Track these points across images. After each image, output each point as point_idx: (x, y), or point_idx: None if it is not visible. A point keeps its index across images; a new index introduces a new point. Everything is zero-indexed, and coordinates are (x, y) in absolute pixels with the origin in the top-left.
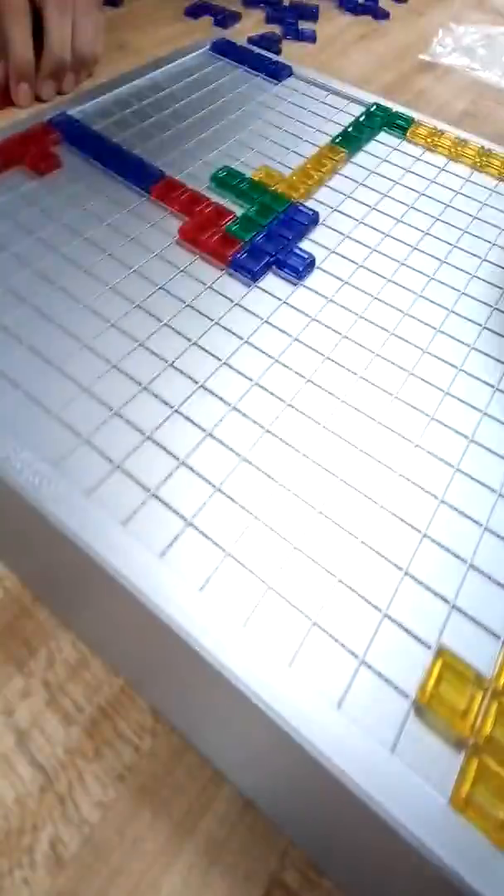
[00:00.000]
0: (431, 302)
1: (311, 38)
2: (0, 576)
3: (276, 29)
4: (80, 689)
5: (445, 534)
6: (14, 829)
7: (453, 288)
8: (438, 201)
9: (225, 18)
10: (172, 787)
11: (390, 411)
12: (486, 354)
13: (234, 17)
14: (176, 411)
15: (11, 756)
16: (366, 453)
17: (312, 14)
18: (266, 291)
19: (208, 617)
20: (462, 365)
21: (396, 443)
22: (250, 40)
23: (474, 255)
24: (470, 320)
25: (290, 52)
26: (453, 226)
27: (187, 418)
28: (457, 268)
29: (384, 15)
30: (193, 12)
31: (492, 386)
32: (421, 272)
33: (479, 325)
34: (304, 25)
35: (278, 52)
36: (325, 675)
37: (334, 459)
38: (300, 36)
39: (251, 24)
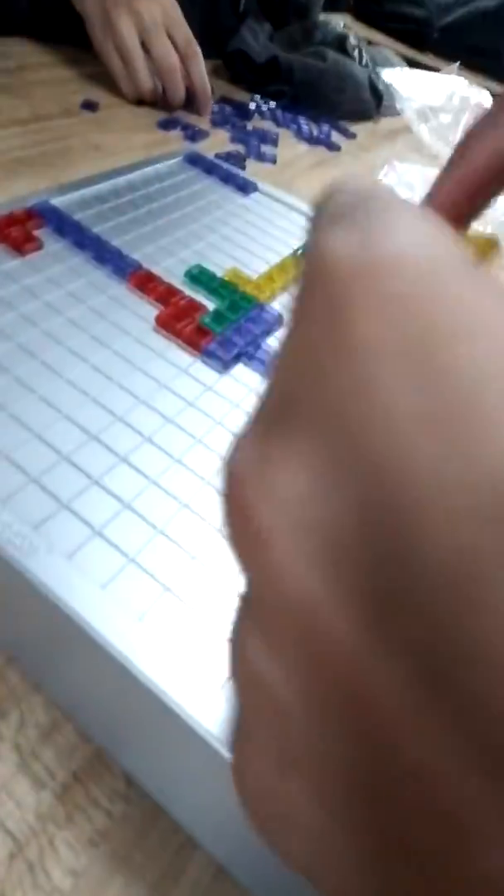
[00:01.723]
0: None
1: (272, 160)
2: None
3: (241, 148)
4: (52, 753)
5: None
6: None
7: None
8: None
9: (195, 134)
10: (145, 853)
11: None
12: None
13: (203, 134)
14: (153, 483)
15: None
16: None
17: (273, 139)
18: (236, 380)
19: (184, 677)
20: None
21: None
22: (218, 156)
23: None
24: None
25: (254, 170)
26: None
27: (165, 490)
28: None
29: (336, 147)
30: (165, 125)
31: None
32: None
33: None
34: (265, 149)
35: (243, 169)
36: None
37: None
38: (262, 157)
39: (217, 142)
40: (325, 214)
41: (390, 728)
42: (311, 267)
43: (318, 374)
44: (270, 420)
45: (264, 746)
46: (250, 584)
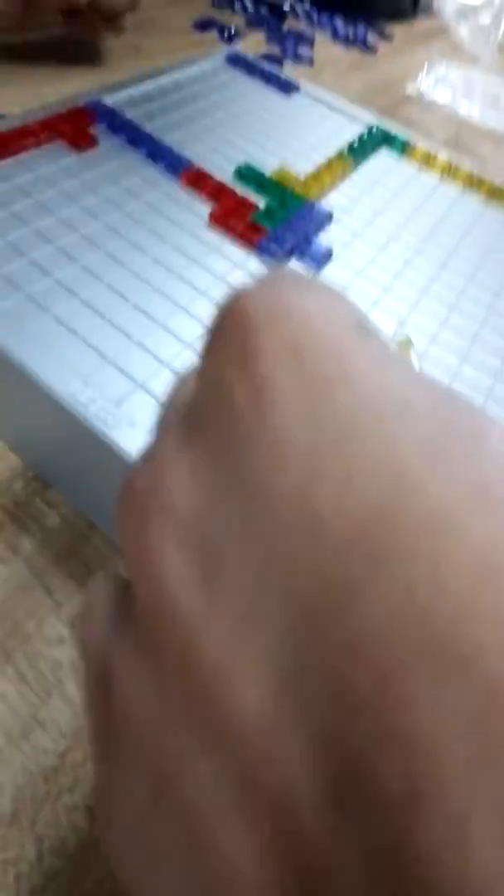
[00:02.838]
0: (435, 299)
1: (310, 62)
2: (55, 503)
3: (277, 50)
4: None
5: None
6: (84, 726)
7: (454, 288)
8: (436, 213)
9: (230, 35)
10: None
11: None
12: (487, 349)
13: (239, 35)
14: None
15: (78, 662)
16: None
17: (309, 41)
18: None
19: None
20: (466, 357)
21: None
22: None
23: (471, 262)
24: (471, 316)
25: (291, 72)
26: (450, 235)
27: None
28: (456, 271)
29: (373, 49)
30: (201, 26)
31: (492, 378)
32: (425, 273)
33: (481, 319)
34: (301, 50)
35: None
36: None
37: None
38: (299, 59)
39: (253, 44)
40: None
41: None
42: (222, 311)
43: (222, 393)
44: (184, 426)
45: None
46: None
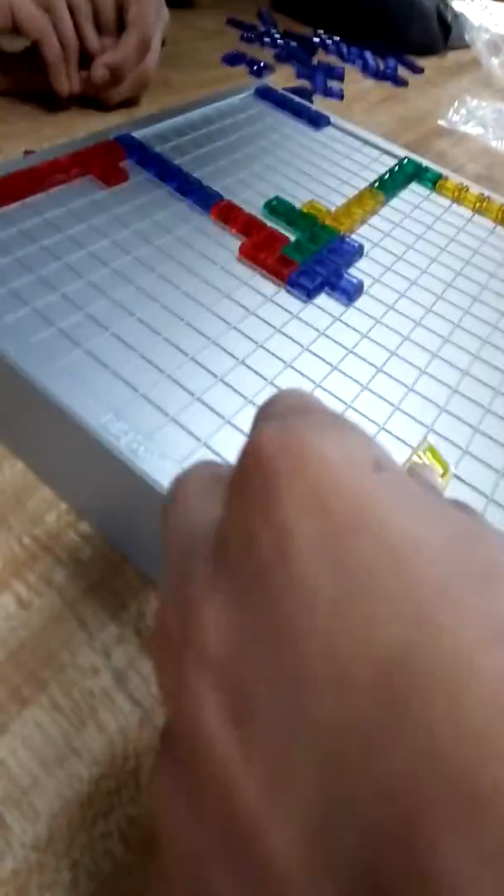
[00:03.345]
0: (467, 332)
1: (339, 95)
2: (88, 535)
3: (307, 83)
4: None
5: None
6: (119, 754)
7: (486, 322)
8: (467, 247)
9: (260, 69)
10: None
11: (439, 420)
12: None
13: (268, 69)
14: (250, 402)
15: (111, 692)
16: (417, 454)
17: (339, 74)
18: (320, 308)
19: None
20: (501, 386)
21: (443, 447)
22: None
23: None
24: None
25: (321, 105)
26: (482, 269)
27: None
28: (488, 305)
29: (403, 82)
30: (231, 59)
31: None
32: (457, 305)
33: None
34: (331, 84)
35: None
36: None
37: (391, 448)
38: (329, 92)
39: (282, 77)
40: (263, 415)
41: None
42: (245, 452)
43: (248, 541)
44: (212, 562)
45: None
46: (170, 723)
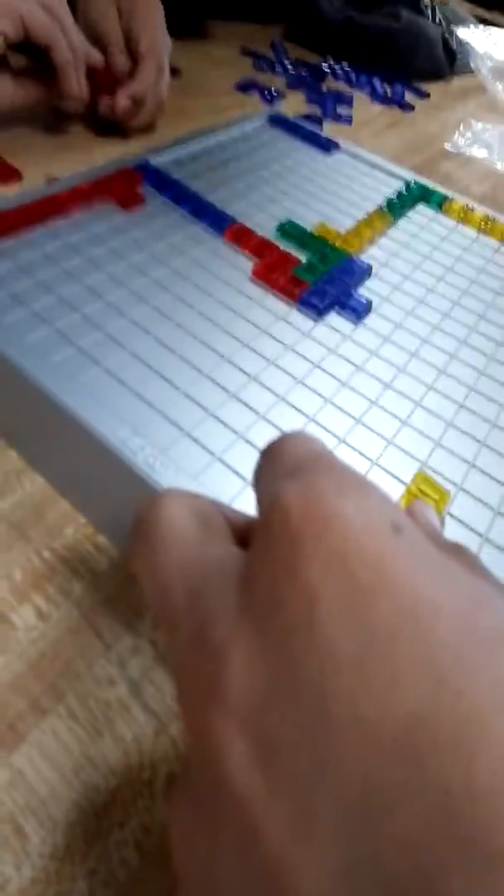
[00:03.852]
0: (473, 349)
1: (348, 120)
2: (104, 548)
3: (317, 109)
4: None
5: None
6: (134, 765)
7: (492, 339)
8: (473, 266)
9: (272, 96)
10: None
11: (447, 434)
12: None
13: (279, 96)
14: (262, 417)
15: (127, 702)
16: (429, 466)
17: (347, 100)
18: (331, 327)
19: None
20: (497, 419)
21: (452, 462)
22: (296, 117)
23: None
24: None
25: (330, 131)
26: (488, 288)
27: (271, 423)
28: (493, 322)
29: (410, 107)
30: (244, 87)
31: None
32: (463, 323)
33: None
34: (340, 109)
35: (320, 130)
36: None
37: (397, 466)
38: (338, 118)
39: (293, 104)
40: (278, 465)
41: None
42: (271, 511)
43: (274, 598)
44: (236, 608)
45: None
46: (190, 759)
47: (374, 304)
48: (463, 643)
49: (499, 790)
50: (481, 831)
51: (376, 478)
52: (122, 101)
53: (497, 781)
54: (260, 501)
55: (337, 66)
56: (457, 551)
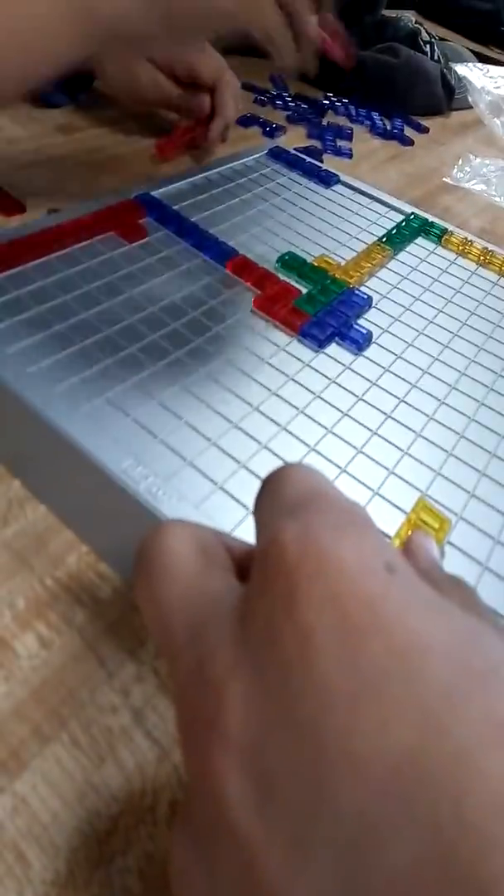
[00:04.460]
0: (473, 379)
1: (348, 154)
2: (107, 576)
3: (317, 143)
4: None
5: None
6: (137, 791)
7: (491, 370)
8: (472, 298)
9: (273, 130)
10: None
11: (447, 464)
12: None
13: (280, 130)
14: (264, 447)
15: (130, 730)
16: (429, 495)
17: (348, 135)
18: (331, 357)
19: None
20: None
21: (452, 491)
22: (297, 150)
23: None
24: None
25: (331, 164)
26: (487, 320)
27: (273, 452)
28: (493, 354)
29: (409, 142)
30: (245, 121)
31: None
32: (463, 355)
33: None
34: (340, 143)
35: (320, 163)
36: None
37: (397, 495)
38: (338, 152)
39: (294, 138)
40: (278, 499)
41: None
42: (269, 548)
43: (271, 636)
44: (233, 644)
45: None
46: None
47: (374, 336)
48: (453, 680)
49: (488, 825)
50: (470, 866)
51: (377, 507)
52: (216, 133)
53: (486, 817)
54: (259, 532)
55: (337, 101)
56: (454, 585)
